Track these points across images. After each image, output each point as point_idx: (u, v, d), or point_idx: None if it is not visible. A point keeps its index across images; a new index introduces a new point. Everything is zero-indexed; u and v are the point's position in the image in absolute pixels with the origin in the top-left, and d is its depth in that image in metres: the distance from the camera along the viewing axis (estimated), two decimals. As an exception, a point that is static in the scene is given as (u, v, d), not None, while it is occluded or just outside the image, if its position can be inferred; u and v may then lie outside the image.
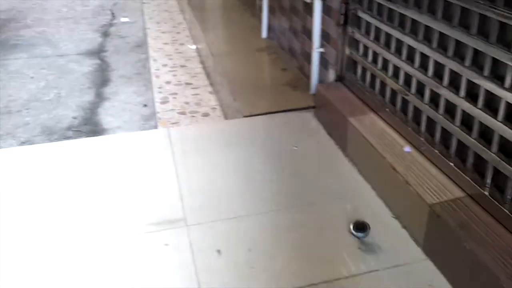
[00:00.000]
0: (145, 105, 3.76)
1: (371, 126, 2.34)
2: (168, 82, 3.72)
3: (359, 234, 1.77)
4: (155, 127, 3.39)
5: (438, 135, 2.01)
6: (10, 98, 3.93)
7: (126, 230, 1.97)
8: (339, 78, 2.84)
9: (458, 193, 1.82)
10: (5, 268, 1.78)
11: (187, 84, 3.71)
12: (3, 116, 3.64)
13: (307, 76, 3.21)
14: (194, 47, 4.45)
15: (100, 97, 3.95)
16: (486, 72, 1.69)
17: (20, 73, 4.43)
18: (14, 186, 2.29)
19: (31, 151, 2.69)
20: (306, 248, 1.84)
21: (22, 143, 3.26)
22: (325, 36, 2.97)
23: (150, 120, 3.57)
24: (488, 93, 1.69)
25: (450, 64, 1.87)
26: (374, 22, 2.45)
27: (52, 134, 3.39)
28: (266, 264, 1.77)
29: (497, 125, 1.65)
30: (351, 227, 1.79)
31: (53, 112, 3.69)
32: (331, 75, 2.91)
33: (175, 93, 3.55)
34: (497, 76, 1.66)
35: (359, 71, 2.66)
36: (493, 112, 1.68)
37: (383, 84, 2.42)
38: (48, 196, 2.21)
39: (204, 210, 2.06)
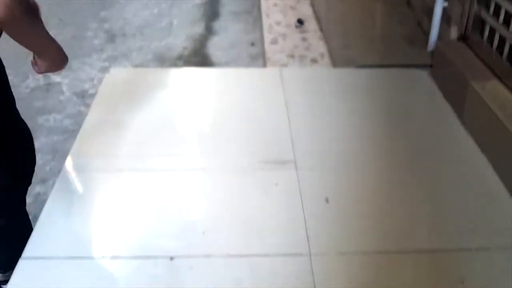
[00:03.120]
0: (252, 44, 3.77)
1: (495, 93, 2.22)
2: (278, 23, 3.68)
3: None
4: (263, 66, 3.40)
5: None
6: (125, 21, 4.06)
7: (239, 163, 2.03)
8: (462, 37, 2.69)
9: None
10: (119, 198, 1.89)
11: (297, 26, 3.66)
12: (118, 38, 3.78)
13: (425, 32, 3.06)
14: (305, -12, 4.35)
15: (209, 31, 3.99)
16: None
17: (135, -2, 4.55)
18: (127, 105, 2.38)
19: (144, 73, 2.80)
20: (416, 214, 1.80)
21: (135, 66, 3.39)
22: (450, -10, 2.80)
23: (257, 59, 3.58)
24: None
25: None
26: (512, -21, 2.28)
27: (163, 61, 3.49)
28: (375, 219, 1.76)
29: None
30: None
31: (165, 40, 3.78)
32: (453, 33, 2.76)
33: (285, 35, 3.51)
34: None
35: (487, 32, 2.51)
36: None
37: (514, 50, 2.27)
38: (159, 120, 2.30)
39: (314, 155, 2.07)
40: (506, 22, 2.33)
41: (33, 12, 1.33)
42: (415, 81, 2.67)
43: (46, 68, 1.50)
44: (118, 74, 2.62)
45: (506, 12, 2.31)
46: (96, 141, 2.11)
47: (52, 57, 1.48)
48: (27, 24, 1.30)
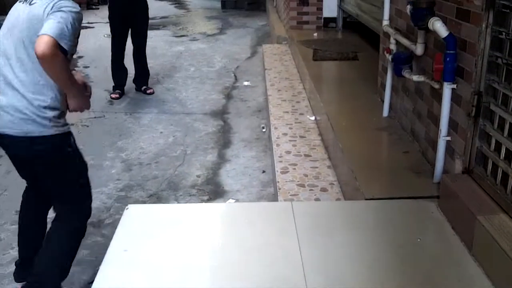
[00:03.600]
0: (263, 171, 3.90)
1: (502, 228, 2.28)
2: (288, 152, 3.84)
3: None
4: (273, 194, 3.50)
5: None
6: (142, 150, 4.25)
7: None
8: (466, 171, 2.80)
9: None
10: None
11: (306, 155, 3.80)
12: (135, 167, 3.93)
13: (430, 162, 3.18)
14: (313, 118, 4.57)
15: (222, 158, 4.16)
16: None
17: (151, 127, 4.79)
18: (145, 243, 2.45)
19: (160, 209, 2.89)
20: None
21: (150, 196, 3.50)
22: (452, 124, 2.95)
23: (268, 187, 3.70)
24: None
25: None
26: (509, 118, 2.42)
27: (177, 190, 3.61)
28: None
29: None
30: None
31: (179, 168, 3.94)
32: (458, 165, 2.87)
33: (295, 164, 3.64)
34: None
35: (490, 166, 2.62)
36: None
37: (516, 185, 2.36)
38: (173, 257, 2.35)
39: (327, 293, 2.10)
40: (507, 157, 2.45)
41: (65, 61, 2.15)
42: (424, 213, 2.74)
43: (73, 106, 2.29)
44: (135, 211, 2.71)
45: (507, 149, 2.44)
46: (115, 280, 2.17)
47: (74, 95, 2.25)
48: (59, 65, 2.11)
